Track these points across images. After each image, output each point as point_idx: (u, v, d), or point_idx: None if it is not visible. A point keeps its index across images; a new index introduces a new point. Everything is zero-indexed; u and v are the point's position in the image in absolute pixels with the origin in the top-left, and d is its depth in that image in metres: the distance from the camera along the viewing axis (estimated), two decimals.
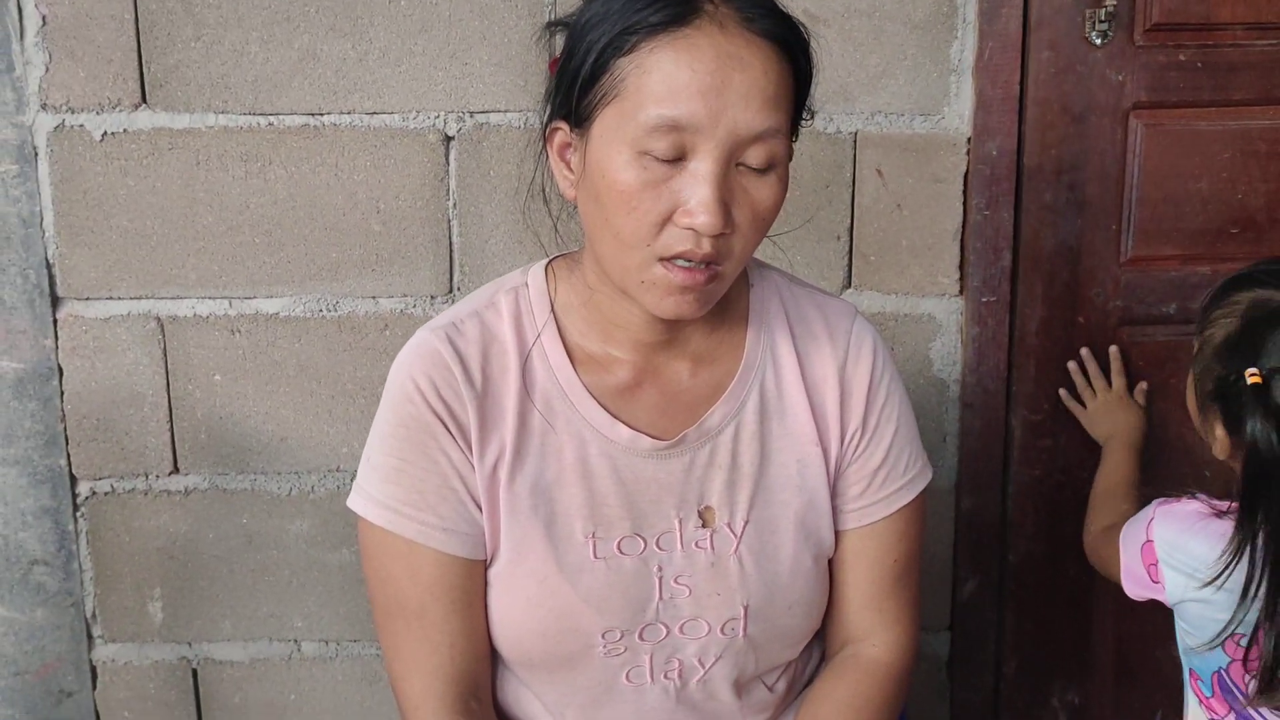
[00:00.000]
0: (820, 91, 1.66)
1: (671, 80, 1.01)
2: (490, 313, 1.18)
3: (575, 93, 1.07)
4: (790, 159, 1.10)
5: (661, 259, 1.05)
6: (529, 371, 1.16)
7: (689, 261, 1.05)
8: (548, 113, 1.12)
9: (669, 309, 1.08)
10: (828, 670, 1.26)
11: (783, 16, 1.07)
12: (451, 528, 1.14)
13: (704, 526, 1.18)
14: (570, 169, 1.11)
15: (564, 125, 1.10)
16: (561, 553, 1.15)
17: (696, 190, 1.02)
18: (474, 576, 1.16)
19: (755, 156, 1.04)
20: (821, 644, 1.32)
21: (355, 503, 1.17)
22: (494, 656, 1.22)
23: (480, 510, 1.15)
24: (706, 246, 1.04)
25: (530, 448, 1.15)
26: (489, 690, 1.21)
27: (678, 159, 1.03)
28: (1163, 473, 1.83)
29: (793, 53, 1.06)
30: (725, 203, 1.03)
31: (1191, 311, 1.80)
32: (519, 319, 1.17)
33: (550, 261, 1.22)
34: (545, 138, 1.13)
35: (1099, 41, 1.72)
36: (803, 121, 1.13)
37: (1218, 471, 1.80)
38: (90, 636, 1.85)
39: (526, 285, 1.19)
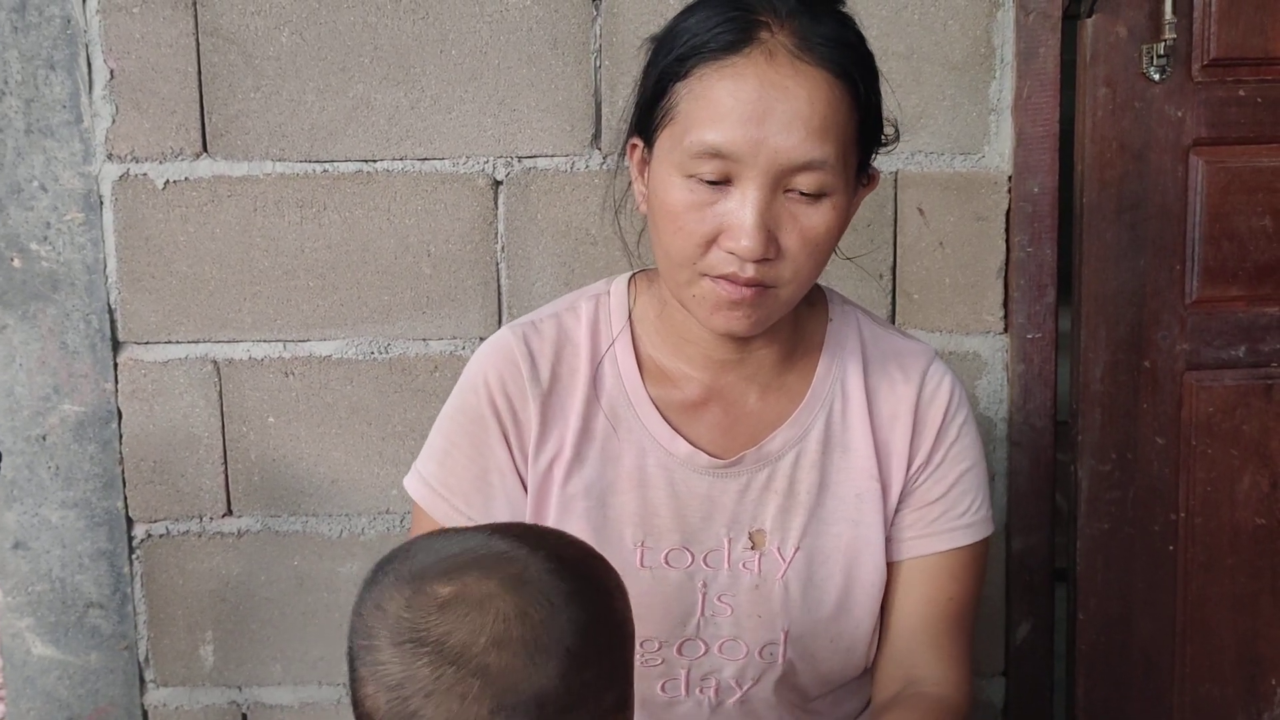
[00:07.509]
0: None
1: (715, 108, 1.03)
2: (569, 316, 1.21)
3: (642, 112, 1.11)
4: (857, 185, 1.10)
5: (707, 275, 1.07)
6: (599, 377, 1.18)
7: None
8: (628, 128, 1.16)
9: (719, 324, 1.09)
10: (897, 707, 1.22)
11: (844, 45, 1.06)
12: (475, 518, 1.17)
13: (753, 548, 1.18)
14: (645, 184, 1.13)
15: (640, 141, 1.13)
16: (608, 557, 1.15)
17: (739, 215, 1.04)
18: None
19: (804, 184, 1.04)
20: (866, 690, 1.29)
21: (407, 478, 1.22)
22: None
23: (509, 513, 1.18)
24: (749, 271, 1.05)
25: (590, 451, 1.17)
26: None
27: (724, 182, 1.04)
28: (1237, 522, 1.81)
29: (853, 81, 1.06)
30: (768, 229, 1.04)
31: (1262, 354, 1.79)
32: (596, 325, 1.20)
33: (635, 274, 1.24)
34: (626, 152, 1.16)
35: (1157, 77, 1.72)
36: (882, 145, 1.13)
37: None
38: (143, 680, 1.86)
39: (608, 294, 1.22)
